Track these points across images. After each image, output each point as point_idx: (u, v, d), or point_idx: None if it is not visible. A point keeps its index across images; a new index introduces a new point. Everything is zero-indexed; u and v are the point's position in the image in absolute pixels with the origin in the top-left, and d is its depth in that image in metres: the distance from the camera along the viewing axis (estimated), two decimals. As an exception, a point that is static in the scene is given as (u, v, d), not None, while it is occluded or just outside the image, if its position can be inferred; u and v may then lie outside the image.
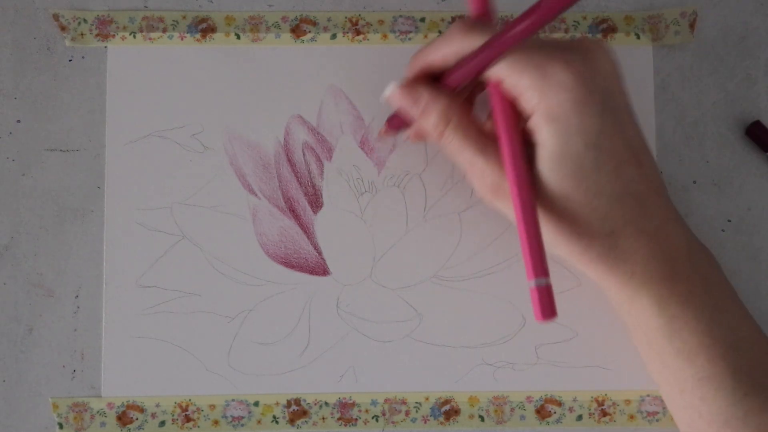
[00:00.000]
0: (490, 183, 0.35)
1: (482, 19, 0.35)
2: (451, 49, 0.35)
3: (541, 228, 0.34)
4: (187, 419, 0.40)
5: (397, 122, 0.39)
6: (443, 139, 0.36)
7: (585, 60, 0.33)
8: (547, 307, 0.33)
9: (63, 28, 0.42)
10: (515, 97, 0.34)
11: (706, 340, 0.34)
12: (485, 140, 0.35)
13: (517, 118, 0.35)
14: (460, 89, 0.36)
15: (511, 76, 0.33)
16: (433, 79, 0.36)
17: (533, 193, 0.34)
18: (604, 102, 0.33)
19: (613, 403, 0.40)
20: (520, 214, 0.33)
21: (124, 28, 0.42)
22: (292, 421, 0.40)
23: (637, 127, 0.35)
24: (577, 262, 0.35)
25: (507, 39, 0.33)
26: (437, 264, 0.41)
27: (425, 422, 0.40)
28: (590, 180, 0.33)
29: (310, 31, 0.42)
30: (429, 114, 0.35)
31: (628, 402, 0.40)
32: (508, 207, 0.35)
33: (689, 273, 0.35)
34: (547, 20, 0.32)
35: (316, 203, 0.41)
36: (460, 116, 0.35)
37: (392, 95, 0.36)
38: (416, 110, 0.36)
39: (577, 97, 0.33)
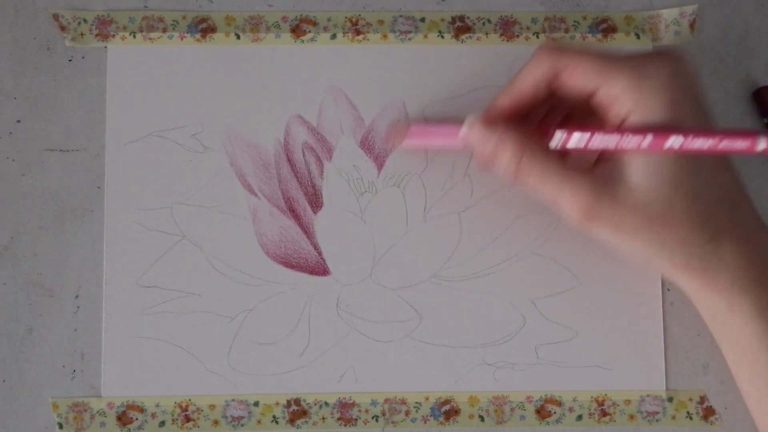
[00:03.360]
0: (581, 207, 0.34)
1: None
2: (540, 73, 0.35)
3: (642, 243, 0.34)
4: (187, 419, 0.40)
5: (417, 136, 0.39)
6: (520, 179, 0.35)
7: (677, 63, 0.34)
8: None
9: (63, 28, 0.42)
10: (607, 105, 0.34)
11: None
12: (566, 169, 0.34)
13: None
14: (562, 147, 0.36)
15: (605, 82, 0.34)
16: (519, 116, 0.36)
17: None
18: (697, 104, 0.34)
19: (613, 403, 0.40)
20: None
21: (124, 28, 0.42)
22: (292, 421, 0.40)
23: None
24: (679, 273, 0.35)
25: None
26: (437, 264, 0.41)
27: (425, 422, 0.40)
28: (688, 184, 0.33)
29: (310, 31, 0.42)
30: (502, 152, 0.35)
31: (628, 402, 0.40)
32: (602, 232, 0.35)
33: None
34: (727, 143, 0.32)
35: (316, 203, 0.41)
36: (533, 152, 0.34)
37: (466, 135, 0.36)
38: (489, 148, 0.35)
39: (674, 97, 0.33)
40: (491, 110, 0.37)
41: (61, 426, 0.40)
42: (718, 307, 0.35)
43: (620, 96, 0.33)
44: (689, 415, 0.40)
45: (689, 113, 0.33)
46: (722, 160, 0.34)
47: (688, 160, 0.33)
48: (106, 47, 0.42)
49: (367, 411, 0.40)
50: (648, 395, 0.40)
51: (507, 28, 0.42)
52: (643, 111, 0.33)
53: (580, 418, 0.40)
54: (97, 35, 0.42)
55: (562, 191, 0.34)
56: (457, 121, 0.37)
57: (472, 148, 0.36)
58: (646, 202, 0.33)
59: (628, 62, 0.33)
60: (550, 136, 0.35)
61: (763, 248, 0.35)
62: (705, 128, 0.33)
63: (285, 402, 0.40)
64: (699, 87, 0.34)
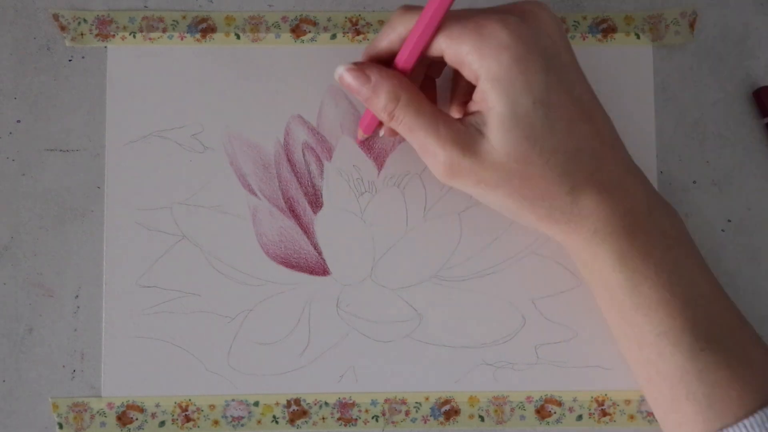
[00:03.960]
0: (443, 162, 0.34)
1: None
2: (394, 34, 0.35)
3: (504, 197, 0.35)
4: (187, 419, 0.40)
5: (368, 123, 0.39)
6: (394, 120, 0.35)
7: (523, 19, 0.34)
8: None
9: (63, 28, 0.42)
10: (460, 68, 0.35)
11: (665, 295, 0.35)
12: (437, 120, 0.35)
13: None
14: (410, 71, 0.36)
15: (450, 46, 0.34)
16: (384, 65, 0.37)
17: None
18: (548, 59, 0.34)
19: (613, 403, 0.40)
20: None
21: (124, 28, 0.42)
22: (292, 421, 0.40)
23: (586, 84, 0.36)
24: (544, 225, 0.36)
25: (432, 6, 0.33)
26: (437, 264, 0.41)
27: (425, 422, 0.40)
28: (544, 139, 0.34)
29: (310, 31, 0.42)
30: (378, 93, 0.35)
31: (628, 402, 0.40)
32: (464, 185, 0.35)
33: (650, 228, 0.35)
34: None
35: (316, 203, 0.41)
36: (410, 95, 0.35)
37: (342, 76, 0.36)
38: (366, 91, 0.36)
39: (518, 55, 0.33)
40: (365, 57, 0.37)
41: (61, 426, 0.40)
42: (584, 256, 0.36)
43: (466, 58, 0.34)
44: (689, 415, 0.40)
45: (539, 68, 0.33)
46: (580, 112, 0.34)
47: (541, 116, 0.33)
48: (106, 47, 0.42)
49: (367, 411, 0.40)
50: (648, 395, 0.40)
51: (507, 28, 0.42)
52: (488, 71, 0.33)
53: (580, 418, 0.40)
54: (97, 35, 0.42)
55: (428, 143, 0.35)
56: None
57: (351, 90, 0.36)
58: (504, 159, 0.34)
59: (470, 24, 0.34)
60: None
61: (626, 196, 0.35)
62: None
63: (285, 402, 0.40)
64: (555, 41, 0.34)
